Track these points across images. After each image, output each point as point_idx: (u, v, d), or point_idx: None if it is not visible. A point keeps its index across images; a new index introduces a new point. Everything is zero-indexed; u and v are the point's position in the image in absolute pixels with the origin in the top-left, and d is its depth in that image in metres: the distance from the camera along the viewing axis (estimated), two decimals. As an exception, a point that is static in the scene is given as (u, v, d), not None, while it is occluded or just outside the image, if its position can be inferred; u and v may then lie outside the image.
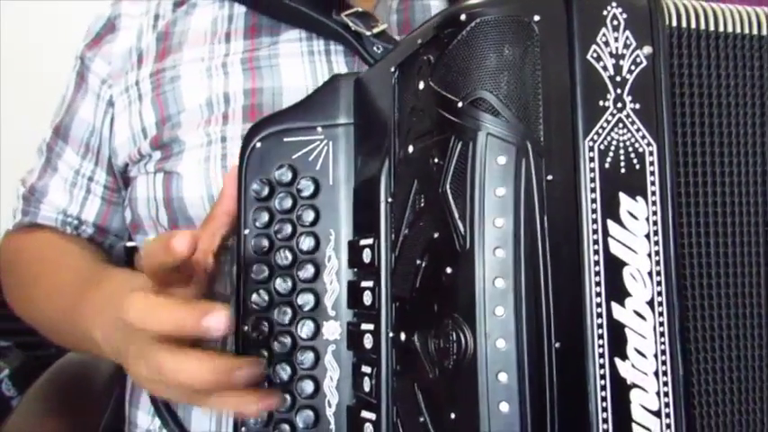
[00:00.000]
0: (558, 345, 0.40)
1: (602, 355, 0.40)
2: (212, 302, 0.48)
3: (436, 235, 0.44)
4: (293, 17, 0.71)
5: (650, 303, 0.42)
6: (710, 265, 0.44)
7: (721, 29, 0.47)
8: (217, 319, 0.47)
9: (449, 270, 0.43)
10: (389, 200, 0.50)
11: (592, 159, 0.42)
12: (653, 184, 0.43)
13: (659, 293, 0.42)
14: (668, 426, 0.41)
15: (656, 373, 0.41)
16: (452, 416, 0.42)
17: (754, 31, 0.47)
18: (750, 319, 0.44)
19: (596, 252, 0.41)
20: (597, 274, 0.41)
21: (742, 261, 0.45)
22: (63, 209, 0.78)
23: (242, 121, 0.68)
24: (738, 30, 0.47)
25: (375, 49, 0.66)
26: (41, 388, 0.77)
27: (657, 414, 0.41)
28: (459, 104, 0.43)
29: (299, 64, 0.70)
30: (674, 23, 0.46)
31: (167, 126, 0.70)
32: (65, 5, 1.54)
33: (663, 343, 0.42)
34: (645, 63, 0.44)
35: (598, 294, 0.41)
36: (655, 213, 0.42)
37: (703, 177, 0.45)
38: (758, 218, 0.46)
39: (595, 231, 0.41)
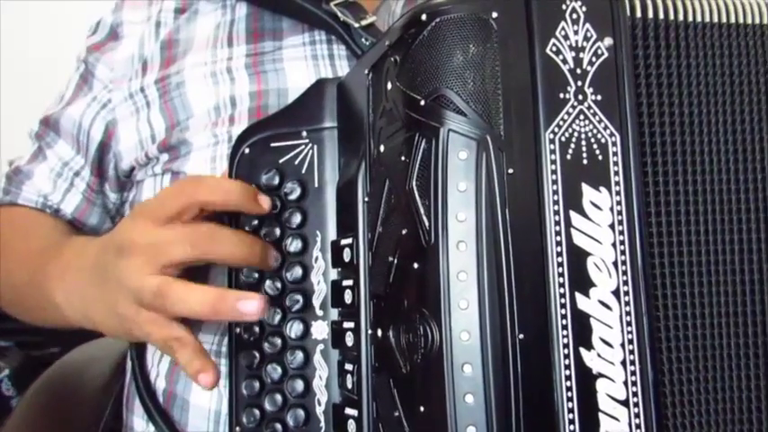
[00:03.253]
0: (521, 336, 0.41)
1: (566, 346, 0.41)
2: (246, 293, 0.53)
3: (405, 231, 0.45)
4: (284, 6, 0.72)
5: (616, 293, 0.42)
6: (680, 254, 0.44)
7: (689, 18, 0.47)
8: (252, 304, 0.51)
9: (416, 265, 0.43)
10: (366, 199, 0.51)
11: (553, 151, 0.42)
12: (617, 174, 0.43)
13: (625, 283, 0.42)
14: (637, 415, 0.41)
15: (624, 363, 0.41)
16: (422, 409, 0.42)
17: (723, 20, 0.47)
18: (719, 307, 0.44)
19: (558, 243, 0.41)
20: (560, 265, 0.41)
21: (712, 249, 0.45)
22: (44, 194, 0.80)
23: (248, 121, 0.69)
24: (708, 19, 0.47)
25: (364, 40, 0.67)
26: (41, 388, 0.78)
27: (625, 403, 0.41)
28: (422, 103, 0.44)
29: (303, 68, 0.72)
30: (639, 14, 0.46)
31: (176, 130, 0.72)
32: (65, 6, 1.57)
33: (630, 332, 0.42)
34: (606, 54, 0.44)
35: (561, 285, 0.41)
36: (619, 203, 0.43)
37: (672, 167, 0.45)
38: (730, 205, 0.45)
39: (557, 222, 0.42)
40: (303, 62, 0.72)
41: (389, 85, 0.48)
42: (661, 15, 0.46)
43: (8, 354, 1.21)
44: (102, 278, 0.58)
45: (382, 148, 0.49)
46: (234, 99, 0.71)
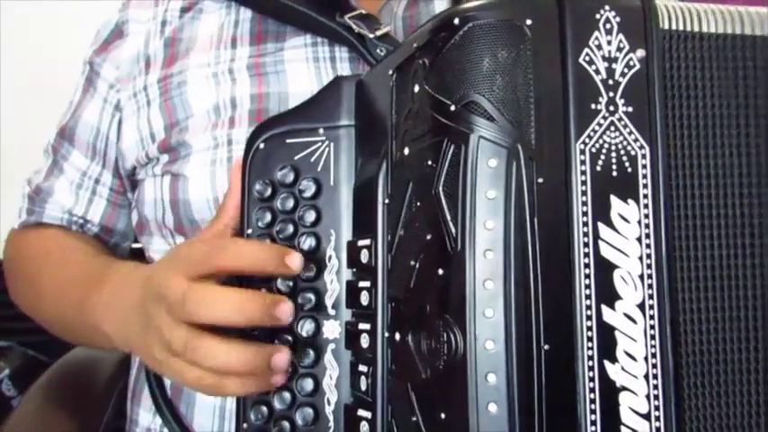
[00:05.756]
0: (547, 347, 0.41)
1: (591, 358, 0.41)
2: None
3: (429, 236, 0.45)
4: (297, 19, 0.71)
5: (641, 306, 0.42)
6: (703, 269, 0.44)
7: (713, 30, 0.46)
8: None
9: (440, 271, 0.43)
10: (386, 201, 0.51)
11: (583, 162, 0.42)
12: (645, 186, 0.43)
13: (650, 296, 0.42)
14: (658, 429, 0.41)
15: (647, 376, 0.41)
16: (443, 416, 0.42)
17: (747, 32, 0.47)
18: (741, 322, 0.44)
19: (586, 255, 0.41)
20: (587, 276, 0.41)
21: (735, 263, 0.45)
22: (68, 209, 0.79)
23: (248, 124, 0.69)
24: (730, 30, 0.47)
25: (378, 51, 0.67)
26: (41, 388, 0.77)
27: (647, 417, 0.41)
28: (452, 108, 0.44)
29: (304, 70, 0.71)
30: (667, 26, 0.45)
31: (175, 130, 0.71)
32: (65, 5, 1.56)
33: (653, 346, 0.42)
34: (638, 66, 0.44)
35: (588, 297, 0.41)
36: (647, 216, 0.43)
37: (697, 180, 0.45)
38: (752, 219, 0.45)
39: (586, 234, 0.42)
40: (304, 64, 0.71)
41: (417, 88, 0.47)
42: (686, 27, 0.46)
43: (8, 354, 1.19)
44: (145, 324, 0.55)
45: (407, 150, 0.48)
46: (234, 100, 0.70)
